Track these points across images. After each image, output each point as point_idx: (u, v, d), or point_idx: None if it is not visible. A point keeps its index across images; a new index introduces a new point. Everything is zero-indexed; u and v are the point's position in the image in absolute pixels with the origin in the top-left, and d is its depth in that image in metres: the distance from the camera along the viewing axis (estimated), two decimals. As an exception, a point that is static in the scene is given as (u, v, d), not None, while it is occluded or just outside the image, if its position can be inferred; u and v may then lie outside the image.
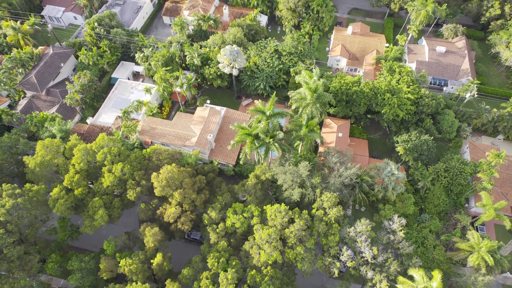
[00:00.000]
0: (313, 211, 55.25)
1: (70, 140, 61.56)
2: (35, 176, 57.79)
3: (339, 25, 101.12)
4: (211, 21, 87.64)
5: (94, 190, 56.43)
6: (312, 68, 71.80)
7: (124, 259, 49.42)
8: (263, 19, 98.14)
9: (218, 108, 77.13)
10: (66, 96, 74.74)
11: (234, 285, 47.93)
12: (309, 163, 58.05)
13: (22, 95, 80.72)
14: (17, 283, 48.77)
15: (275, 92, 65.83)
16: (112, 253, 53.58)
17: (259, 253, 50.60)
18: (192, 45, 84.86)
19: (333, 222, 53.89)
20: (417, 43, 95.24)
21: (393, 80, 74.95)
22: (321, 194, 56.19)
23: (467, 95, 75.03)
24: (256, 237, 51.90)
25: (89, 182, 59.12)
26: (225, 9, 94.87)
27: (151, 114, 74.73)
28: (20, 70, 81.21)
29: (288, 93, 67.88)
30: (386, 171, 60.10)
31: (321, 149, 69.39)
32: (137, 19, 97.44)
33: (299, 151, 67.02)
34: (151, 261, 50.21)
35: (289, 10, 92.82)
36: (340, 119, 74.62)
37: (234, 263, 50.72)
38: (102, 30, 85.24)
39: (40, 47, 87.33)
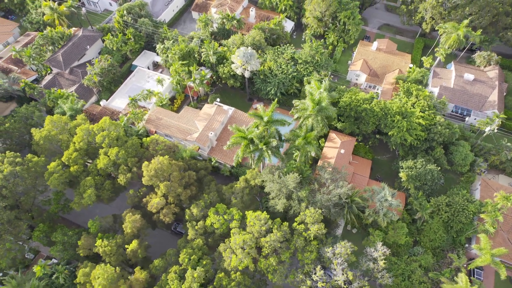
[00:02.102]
0: (294, 224, 54.20)
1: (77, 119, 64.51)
2: (39, 148, 61.14)
3: (366, 40, 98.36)
4: (235, 21, 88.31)
5: (89, 169, 58.76)
6: (323, 80, 70.37)
7: (100, 239, 51.05)
8: (289, 25, 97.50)
9: (225, 107, 77.62)
10: (85, 77, 78.38)
11: (199, 284, 48.06)
12: (299, 175, 56.96)
13: (49, 71, 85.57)
14: (2, 244, 51.80)
15: (276, 99, 65.33)
16: (95, 232, 55.55)
17: (231, 257, 50.37)
18: (211, 42, 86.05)
19: (312, 238, 52.56)
20: (446, 68, 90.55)
21: (408, 102, 71.81)
22: (306, 208, 54.97)
23: (487, 129, 70.32)
24: (231, 240, 51.74)
25: (87, 161, 61.53)
26: (251, 10, 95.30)
27: (160, 104, 76.61)
28: (50, 48, 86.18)
29: (293, 101, 67.00)
30: (379, 196, 57.68)
31: (320, 162, 67.85)
32: (166, 11, 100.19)
33: (297, 162, 65.96)
34: (126, 246, 51.49)
35: (315, 19, 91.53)
36: (345, 135, 72.55)
37: (205, 262, 50.86)
38: (130, 18, 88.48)
39: (73, 28, 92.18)
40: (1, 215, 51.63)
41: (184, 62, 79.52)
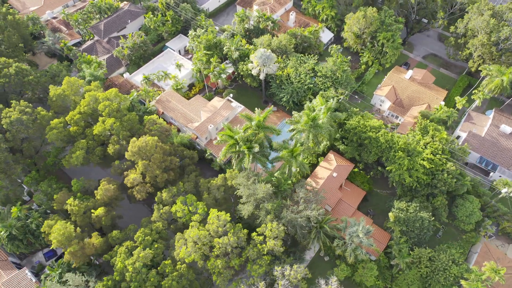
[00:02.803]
0: (253, 234, 53.36)
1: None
2: (52, 104, 66.68)
3: (404, 66, 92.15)
4: (269, 22, 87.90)
5: (86, 133, 62.90)
6: (331, 98, 67.52)
7: (72, 198, 54.66)
8: (327, 36, 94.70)
9: (234, 104, 78.05)
10: (116, 48, 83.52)
11: (143, 264, 49.45)
12: (273, 188, 55.76)
13: (91, 37, 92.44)
14: (-5, 182, 57.78)
15: (272, 106, 63.96)
16: (76, 191, 59.54)
17: (182, 248, 51.07)
18: (248, 40, 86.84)
19: (265, 252, 51.36)
20: (485, 113, 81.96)
21: (421, 141, 66.44)
22: (270, 221, 53.76)
23: (503, 190, 62.80)
24: (187, 232, 52.42)
25: (88, 124, 65.71)
26: (291, 14, 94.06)
27: (176, 88, 79.17)
28: (97, 16, 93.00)
29: (293, 112, 65.40)
30: (352, 229, 54.46)
31: (308, 180, 65.73)
32: (212, 1, 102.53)
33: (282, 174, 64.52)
34: (93, 211, 54.55)
35: (353, 35, 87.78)
36: (345, 160, 69.17)
37: (157, 245, 52.22)
38: (173, 1, 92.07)
39: (123, 3, 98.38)
40: (2, 156, 57.43)
41: (208, 52, 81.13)
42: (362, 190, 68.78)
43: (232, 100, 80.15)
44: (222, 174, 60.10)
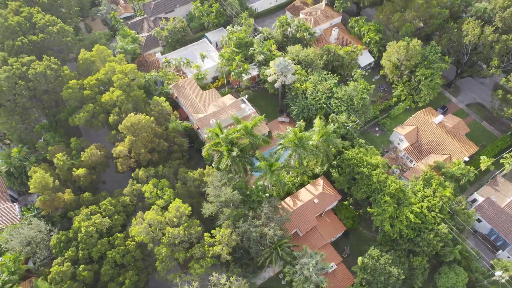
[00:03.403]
0: (206, 234, 53.51)
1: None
2: (79, 66, 72.87)
3: (440, 109, 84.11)
4: (306, 33, 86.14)
5: (96, 98, 67.84)
6: (334, 123, 64.23)
7: (62, 153, 59.57)
8: (366, 60, 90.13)
9: (244, 106, 78.22)
10: (155, 28, 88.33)
11: (96, 231, 52.34)
12: (241, 195, 55.22)
13: (142, 14, 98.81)
14: (11, 121, 64.88)
15: (264, 115, 62.61)
16: (74, 148, 64.73)
17: (136, 226, 53.06)
18: (280, 47, 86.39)
19: (209, 255, 51.29)
20: (516, 183, 72.04)
21: (419, 193, 60.75)
22: (226, 227, 53.48)
23: (497, 273, 55.07)
24: (146, 213, 54.27)
25: (100, 91, 70.47)
26: (334, 30, 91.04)
27: (196, 77, 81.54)
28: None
29: (288, 127, 63.68)
30: (305, 260, 51.94)
31: (287, 198, 63.96)
32: (264, 0, 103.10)
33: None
34: (74, 169, 58.94)
35: (392, 64, 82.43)
36: (333, 189, 65.76)
37: (116, 217, 54.90)
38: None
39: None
40: (20, 99, 64.49)
41: (237, 50, 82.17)
42: (343, 225, 64.90)
43: (245, 101, 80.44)
44: (201, 169, 60.99)
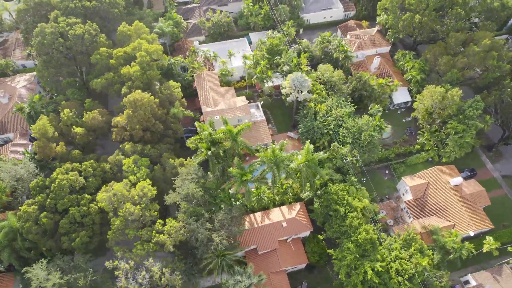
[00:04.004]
0: (159, 220, 54.81)
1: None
2: (117, 37, 78.60)
3: (466, 172, 74.45)
4: (342, 55, 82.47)
5: (118, 69, 72.72)
6: (327, 152, 60.58)
7: (69, 110, 65.36)
8: (402, 97, 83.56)
9: (254, 110, 77.84)
10: (200, 18, 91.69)
11: (70, 185, 56.48)
12: (201, 192, 55.47)
13: (197, 1, 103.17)
14: (43, 72, 72.85)
15: (250, 123, 61.16)
16: (87, 109, 70.42)
17: (103, 191, 56.23)
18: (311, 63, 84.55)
19: (153, 241, 52.53)
20: (526, 279, 61.46)
21: (393, 252, 55.21)
22: (180, 220, 54.30)
23: None
24: (116, 184, 57.14)
25: (124, 63, 74.89)
26: (376, 59, 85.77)
27: (221, 73, 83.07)
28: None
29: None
30: (240, 278, 50.54)
31: (258, 213, 62.59)
32: (317, 14, 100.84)
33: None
34: (74, 126, 64.26)
35: (424, 108, 75.27)
36: (307, 219, 62.57)
37: (91, 180, 58.87)
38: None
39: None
40: (56, 54, 71.94)
41: (267, 55, 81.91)
42: (306, 258, 61.47)
43: (259, 107, 79.97)
44: (182, 159, 62.35)
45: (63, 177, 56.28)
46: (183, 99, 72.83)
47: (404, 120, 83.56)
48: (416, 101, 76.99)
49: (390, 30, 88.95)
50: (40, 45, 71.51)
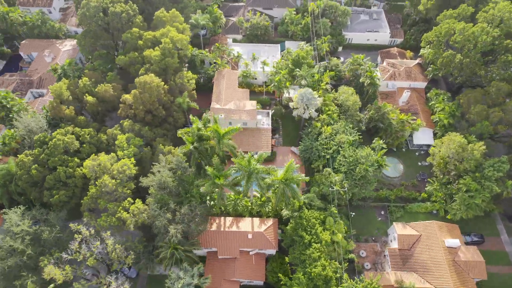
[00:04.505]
0: (129, 199, 56.94)
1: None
2: (153, 21, 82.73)
3: (472, 236, 66.70)
4: (368, 80, 78.21)
5: (143, 50, 76.57)
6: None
7: (86, 78, 70.62)
8: (425, 139, 77.06)
9: (260, 117, 77.07)
10: (238, 17, 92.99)
11: (64, 146, 61.09)
12: (172, 181, 56.65)
13: (244, 1, 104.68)
14: (81, 40, 79.42)
15: (238, 127, 60.34)
16: (108, 81, 75.22)
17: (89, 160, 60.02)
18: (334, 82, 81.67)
19: (116, 216, 54.86)
20: None
21: (349, 295, 51.55)
22: (146, 204, 56.16)
23: None
24: (102, 155, 60.46)
25: (151, 46, 78.36)
26: (406, 92, 79.91)
27: (243, 74, 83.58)
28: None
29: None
30: (182, 274, 50.77)
31: (228, 218, 62.20)
32: (361, 34, 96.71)
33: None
34: (86, 94, 69.21)
35: (440, 155, 68.69)
36: (275, 236, 60.57)
37: (85, 146, 63.08)
38: (318, 10, 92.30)
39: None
40: (94, 26, 77.92)
41: (291, 66, 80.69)
42: (264, 276, 59.65)
43: (269, 115, 79.12)
44: (171, 147, 64.06)
45: (60, 138, 61.00)
46: (194, 91, 74.65)
47: (420, 164, 77.07)
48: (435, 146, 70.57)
49: (431, 65, 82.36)
50: (83, 16, 77.94)
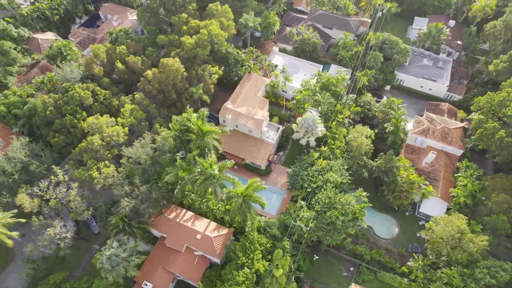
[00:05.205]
0: (106, 161, 61.43)
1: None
2: (206, 11, 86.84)
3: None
4: (391, 127, 71.31)
5: (184, 37, 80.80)
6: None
7: (126, 49, 77.61)
8: (431, 208, 68.02)
9: (269, 130, 75.82)
10: (290, 29, 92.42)
11: (79, 99, 68.48)
12: (146, 159, 59.75)
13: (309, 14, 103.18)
14: (140, 14, 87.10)
15: (217, 129, 59.87)
16: (147, 56, 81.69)
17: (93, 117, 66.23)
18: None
19: (88, 173, 59.85)
20: None
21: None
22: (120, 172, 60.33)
23: None
24: (103, 117, 66.19)
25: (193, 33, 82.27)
26: (432, 153, 70.76)
27: (271, 84, 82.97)
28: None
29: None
30: (115, 243, 53.48)
31: (184, 211, 63.18)
32: (415, 79, 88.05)
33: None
34: (119, 62, 75.93)
35: (435, 233, 59.87)
36: (222, 247, 59.71)
37: (96, 104, 69.68)
38: (374, 42, 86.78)
39: (364, 18, 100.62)
40: (152, 4, 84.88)
41: (318, 89, 77.74)
42: (199, 279, 59.25)
43: (279, 131, 77.50)
44: (163, 129, 67.06)
45: (78, 91, 68.47)
46: (212, 86, 76.58)
47: (418, 235, 68.09)
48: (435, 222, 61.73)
49: (473, 141, 71.48)
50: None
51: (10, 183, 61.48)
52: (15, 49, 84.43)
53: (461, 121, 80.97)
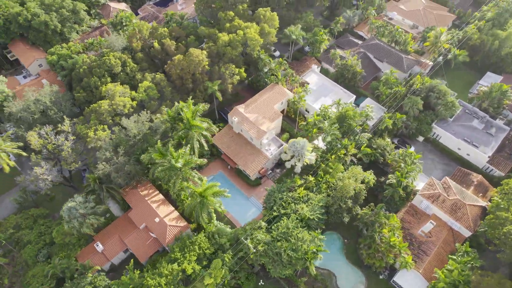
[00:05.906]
0: (104, 125, 66.96)
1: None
2: (255, 14, 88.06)
3: None
4: (394, 180, 64.48)
5: (219, 32, 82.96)
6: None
7: (169, 34, 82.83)
8: (412, 283, 60.10)
9: (268, 142, 74.69)
10: (334, 51, 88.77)
11: (107, 67, 75.52)
12: (140, 137, 63.84)
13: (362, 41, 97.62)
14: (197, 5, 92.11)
15: (203, 125, 60.22)
16: (188, 40, 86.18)
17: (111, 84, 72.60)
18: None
19: (88, 133, 65.98)
20: None
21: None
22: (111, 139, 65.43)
23: None
24: (118, 86, 72.03)
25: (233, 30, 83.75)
26: (430, 223, 62.32)
27: (292, 100, 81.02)
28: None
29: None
30: (79, 199, 58.35)
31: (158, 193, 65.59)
32: (452, 137, 77.49)
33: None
34: (156, 41, 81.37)
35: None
36: (172, 239, 60.80)
37: (122, 74, 76.08)
38: (423, 85, 79.16)
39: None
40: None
41: (333, 120, 73.72)
42: (145, 258, 61.19)
43: (281, 147, 75.60)
44: (165, 110, 70.43)
45: (110, 58, 75.55)
46: (230, 85, 77.50)
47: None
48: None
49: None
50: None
51: (30, 120, 70.81)
52: (86, 11, 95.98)
53: (490, 200, 69.37)
